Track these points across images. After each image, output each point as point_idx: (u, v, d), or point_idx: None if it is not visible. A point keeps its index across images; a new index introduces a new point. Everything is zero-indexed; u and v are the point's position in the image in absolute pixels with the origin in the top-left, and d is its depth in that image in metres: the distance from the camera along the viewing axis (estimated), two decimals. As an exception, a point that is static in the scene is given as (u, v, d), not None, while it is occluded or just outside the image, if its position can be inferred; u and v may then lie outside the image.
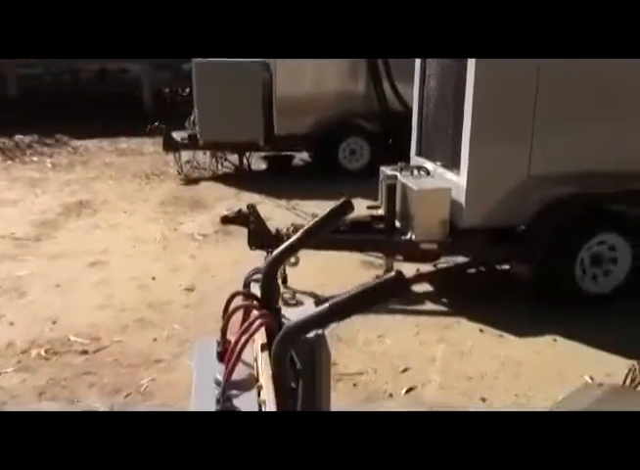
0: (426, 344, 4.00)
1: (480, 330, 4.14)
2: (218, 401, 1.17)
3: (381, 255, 5.03)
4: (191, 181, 8.26)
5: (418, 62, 5.07)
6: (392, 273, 1.05)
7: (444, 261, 5.18)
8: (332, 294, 3.64)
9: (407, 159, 5.34)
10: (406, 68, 7.54)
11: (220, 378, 1.22)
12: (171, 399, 3.24)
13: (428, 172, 4.84)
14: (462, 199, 4.39)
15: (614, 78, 4.27)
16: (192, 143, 8.37)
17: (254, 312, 1.34)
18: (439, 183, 4.57)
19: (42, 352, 3.79)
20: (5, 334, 4.06)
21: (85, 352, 3.80)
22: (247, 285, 1.57)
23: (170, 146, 8.48)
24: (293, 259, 4.59)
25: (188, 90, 13.37)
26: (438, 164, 4.87)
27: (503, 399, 3.33)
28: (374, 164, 8.18)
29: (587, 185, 4.31)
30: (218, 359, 1.34)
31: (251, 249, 4.70)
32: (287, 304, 4.40)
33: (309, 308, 1.26)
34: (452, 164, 4.61)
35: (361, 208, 5.72)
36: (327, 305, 1.08)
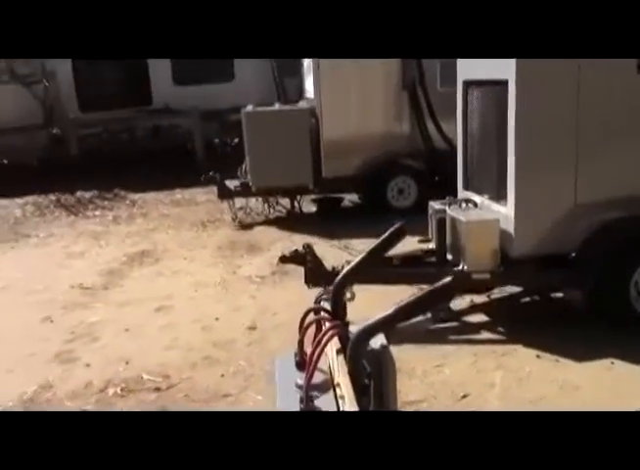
0: (484, 371, 4.09)
1: (537, 356, 4.21)
2: (302, 401, 1.35)
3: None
4: (245, 226, 8.56)
5: (460, 97, 5.26)
6: (445, 280, 1.22)
7: (497, 292, 5.28)
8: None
9: (453, 194, 5.48)
10: (448, 105, 7.80)
11: (301, 382, 1.40)
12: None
13: (475, 205, 4.98)
14: (511, 229, 4.51)
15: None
16: (245, 190, 8.70)
17: (327, 324, 1.52)
18: (488, 214, 4.71)
19: (118, 391, 4.03)
20: (83, 375, 4.33)
21: (158, 389, 4.03)
22: (317, 303, 1.75)
23: (225, 194, 8.83)
24: (349, 295, 4.76)
25: (236, 140, 13.95)
26: (485, 196, 5.00)
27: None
28: (421, 201, 8.34)
29: (635, 208, 4.39)
30: (297, 368, 1.52)
31: (308, 287, 4.89)
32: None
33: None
34: (499, 195, 4.74)
35: (411, 244, 5.89)
36: (392, 309, 1.25)
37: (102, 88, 14.19)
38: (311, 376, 1.34)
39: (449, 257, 4.86)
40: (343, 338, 1.45)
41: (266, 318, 5.20)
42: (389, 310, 1.27)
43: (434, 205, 5.07)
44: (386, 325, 1.32)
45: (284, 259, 4.90)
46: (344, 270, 1.71)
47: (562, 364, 4.06)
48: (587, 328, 4.47)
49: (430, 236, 5.14)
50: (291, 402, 1.39)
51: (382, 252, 1.74)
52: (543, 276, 4.67)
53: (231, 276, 6.41)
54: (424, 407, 3.63)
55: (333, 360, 1.42)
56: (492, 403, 3.66)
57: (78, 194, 11.37)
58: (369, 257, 1.72)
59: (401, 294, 5.22)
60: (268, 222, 8.70)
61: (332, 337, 1.41)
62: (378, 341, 1.49)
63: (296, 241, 7.46)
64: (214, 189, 10.50)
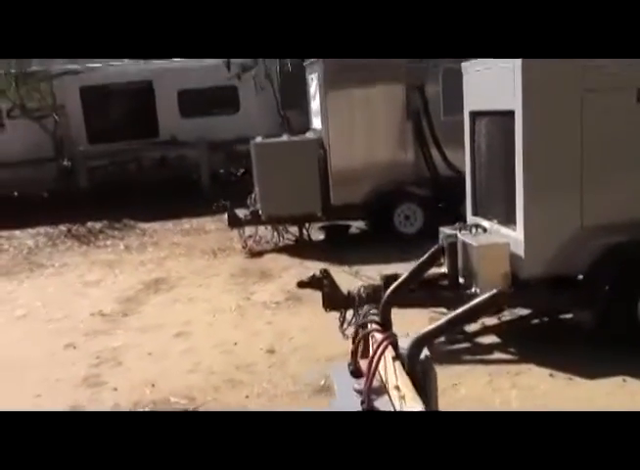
0: (499, 390, 4.24)
1: (550, 375, 4.36)
2: (362, 403, 1.52)
3: (446, 310, 5.32)
4: (255, 254, 8.74)
5: (467, 127, 5.48)
6: (493, 291, 1.40)
7: (508, 314, 5.44)
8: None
9: (457, 221, 5.63)
10: (452, 133, 8.05)
11: (359, 387, 1.58)
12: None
13: (485, 230, 5.17)
14: (521, 252, 4.70)
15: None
16: (254, 219, 8.91)
17: (378, 335, 1.70)
18: (498, 238, 4.89)
19: (147, 413, 4.17)
20: (110, 398, 4.47)
21: (186, 411, 4.17)
22: (364, 317, 1.93)
23: (235, 222, 9.04)
24: (365, 318, 4.94)
25: (242, 170, 14.21)
26: (494, 221, 5.20)
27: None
28: (427, 227, 8.58)
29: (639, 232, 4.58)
30: (352, 376, 1.70)
31: (325, 310, 5.06)
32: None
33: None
34: (508, 220, 4.94)
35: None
36: (445, 319, 1.43)
37: (110, 121, 14.50)
38: (372, 380, 1.51)
39: (461, 280, 5.03)
40: (396, 346, 1.63)
41: (284, 342, 5.35)
42: (440, 321, 1.45)
43: (445, 230, 5.26)
44: (440, 333, 1.50)
45: (302, 285, 5.07)
46: (390, 288, 1.88)
47: (575, 382, 4.21)
48: (597, 347, 4.63)
49: (441, 260, 5.31)
50: (350, 405, 1.56)
51: (424, 271, 1.92)
52: (553, 297, 4.84)
53: (246, 302, 6.58)
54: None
55: (389, 366, 1.60)
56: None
57: (89, 224, 11.60)
58: (415, 273, 1.90)
59: (414, 316, 5.40)
60: (278, 250, 8.89)
61: (387, 346, 1.58)
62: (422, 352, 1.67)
63: (307, 267, 7.64)
64: (222, 218, 10.73)
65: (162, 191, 12.95)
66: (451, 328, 1.44)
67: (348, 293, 5.00)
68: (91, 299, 7.17)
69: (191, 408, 4.19)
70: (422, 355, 1.64)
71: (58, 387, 4.79)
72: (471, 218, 5.59)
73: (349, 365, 1.74)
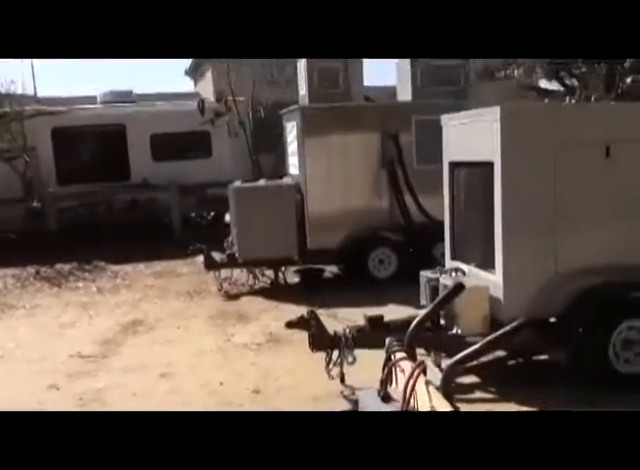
0: (483, 428, 4.39)
1: (530, 413, 4.53)
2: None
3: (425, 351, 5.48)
4: (231, 297, 8.81)
5: (446, 176, 5.76)
6: (519, 320, 1.58)
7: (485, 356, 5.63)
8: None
9: (430, 265, 5.85)
10: (424, 181, 8.38)
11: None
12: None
13: (464, 273, 5.41)
14: (500, 295, 4.93)
15: (625, 177, 4.94)
16: (231, 261, 9.02)
17: (407, 364, 1.86)
18: (478, 282, 5.12)
19: (139, 452, 4.19)
20: (100, 439, 4.46)
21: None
22: (391, 350, 2.08)
23: (211, 265, 9.12)
24: (350, 359, 5.08)
25: (212, 214, 14.31)
26: (472, 265, 5.44)
27: None
28: (401, 271, 8.82)
29: (611, 276, 4.87)
30: (383, 401, 1.85)
31: (312, 351, 5.17)
32: (347, 399, 4.83)
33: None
34: (486, 264, 5.18)
35: (395, 312, 6.24)
36: (476, 346, 1.60)
37: (81, 163, 14.54)
38: (408, 402, 1.66)
39: (443, 322, 5.22)
40: (425, 373, 1.79)
41: (269, 383, 5.43)
42: (472, 349, 1.61)
43: (427, 274, 5.47)
44: (470, 360, 1.66)
45: (290, 325, 5.19)
46: (415, 321, 2.05)
47: (554, 419, 4.39)
48: (573, 387, 4.84)
49: (423, 303, 5.51)
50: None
51: (442, 306, 2.10)
52: (530, 339, 5.05)
53: (227, 344, 6.63)
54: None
55: (421, 390, 1.75)
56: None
57: (58, 266, 11.50)
58: (435, 308, 2.07)
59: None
60: (254, 293, 8.97)
61: (421, 371, 1.74)
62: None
63: (284, 310, 7.75)
64: (195, 261, 10.83)
65: (133, 233, 12.94)
66: (481, 354, 1.60)
67: (335, 334, 5.14)
68: (68, 340, 7.12)
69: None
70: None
71: (43, 427, 4.75)
72: (449, 262, 5.83)
73: (379, 392, 1.88)
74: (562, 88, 23.48)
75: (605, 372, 4.85)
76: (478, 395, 4.98)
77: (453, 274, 5.35)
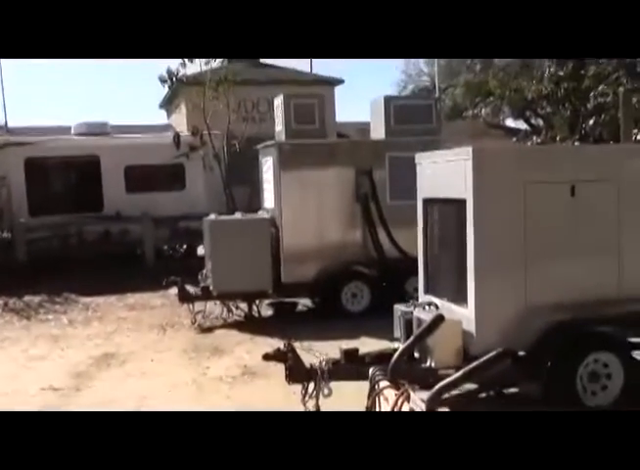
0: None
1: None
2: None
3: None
4: (205, 330, 8.81)
5: (420, 212, 5.93)
6: (499, 350, 1.70)
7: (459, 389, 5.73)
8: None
9: (403, 299, 5.96)
10: (397, 216, 8.57)
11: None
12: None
13: (437, 307, 5.53)
14: (472, 328, 5.07)
15: (589, 215, 5.15)
16: (205, 294, 9.04)
17: (391, 391, 1.96)
18: (450, 316, 5.25)
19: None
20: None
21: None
22: (374, 379, 2.18)
23: (185, 298, 9.13)
24: (326, 391, 5.13)
25: (185, 246, 14.30)
26: (445, 299, 5.58)
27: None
28: (374, 305, 8.93)
29: (578, 310, 5.05)
30: (369, 429, 1.94)
31: (288, 383, 5.21)
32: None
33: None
34: (459, 298, 5.32)
35: (368, 345, 6.33)
36: (456, 375, 1.71)
37: (54, 194, 14.50)
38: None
39: (417, 354, 5.32)
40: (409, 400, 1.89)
41: (245, 416, 5.44)
42: (452, 377, 1.73)
43: (401, 307, 5.59)
44: (452, 388, 1.77)
45: (267, 357, 5.24)
46: (398, 351, 2.15)
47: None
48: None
49: (396, 335, 5.61)
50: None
51: (423, 339, 2.21)
52: (502, 371, 5.18)
53: (202, 377, 6.64)
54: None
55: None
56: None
57: (27, 298, 11.37)
58: (415, 341, 2.18)
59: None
60: (227, 326, 8.99)
61: (407, 396, 1.84)
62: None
63: (258, 343, 7.79)
64: (168, 293, 10.81)
65: (106, 265, 12.88)
66: (461, 383, 1.71)
67: (311, 366, 5.20)
68: (38, 373, 7.04)
69: None
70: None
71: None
72: (423, 296, 5.95)
73: (365, 420, 1.98)
74: (528, 127, 24.20)
75: (574, 405, 4.98)
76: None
77: (427, 308, 5.48)
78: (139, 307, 10.70)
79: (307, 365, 5.21)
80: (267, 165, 9.63)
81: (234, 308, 9.26)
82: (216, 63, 15.06)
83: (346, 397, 5.31)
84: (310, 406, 5.13)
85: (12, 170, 13.71)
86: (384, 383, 2.01)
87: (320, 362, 5.22)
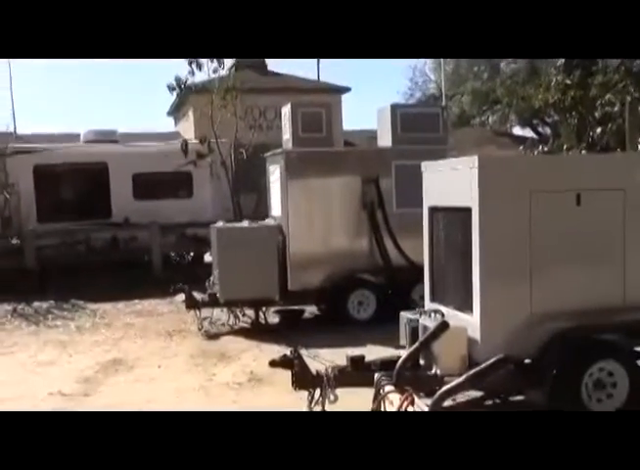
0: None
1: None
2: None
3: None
4: (212, 336, 8.85)
5: (426, 220, 5.96)
6: (498, 356, 1.73)
7: (462, 396, 5.75)
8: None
9: (409, 307, 5.99)
10: (403, 225, 8.62)
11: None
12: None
13: (443, 315, 5.56)
14: (477, 336, 5.09)
15: (595, 224, 5.18)
16: (212, 301, 9.09)
17: (396, 396, 2.00)
18: (456, 323, 5.28)
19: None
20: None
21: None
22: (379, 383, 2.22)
23: (192, 304, 9.19)
24: (332, 398, 5.17)
25: (192, 254, 14.37)
26: (451, 306, 5.61)
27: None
28: (380, 313, 8.96)
29: (584, 318, 5.07)
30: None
31: (295, 389, 5.25)
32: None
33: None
34: (464, 305, 5.35)
35: (374, 352, 6.34)
36: (459, 379, 1.75)
37: (62, 201, 14.61)
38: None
39: (422, 361, 5.35)
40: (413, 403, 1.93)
41: (251, 421, 5.48)
42: (456, 382, 1.76)
43: (407, 315, 5.62)
44: (455, 392, 1.81)
45: (273, 364, 5.28)
46: (403, 357, 2.19)
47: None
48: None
49: (403, 343, 5.64)
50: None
51: (428, 344, 2.25)
52: (507, 379, 5.20)
53: (209, 383, 6.68)
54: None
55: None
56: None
57: (35, 304, 11.46)
58: (421, 346, 2.22)
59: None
60: (234, 333, 9.03)
61: (412, 400, 1.88)
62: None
63: (264, 350, 7.82)
64: (175, 300, 10.87)
65: (113, 272, 12.96)
66: (463, 388, 1.75)
67: (317, 373, 5.23)
68: (47, 378, 7.10)
69: None
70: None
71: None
72: (429, 304, 5.98)
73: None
74: (535, 136, 24.22)
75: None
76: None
77: (432, 315, 5.51)
78: (146, 314, 10.77)
79: (314, 372, 5.26)
80: (274, 173, 9.69)
81: (240, 315, 9.30)
82: (224, 71, 15.17)
83: (351, 403, 5.35)
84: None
85: (21, 177, 13.83)
86: (388, 387, 2.05)
87: (326, 369, 5.26)
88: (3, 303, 11.38)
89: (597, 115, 14.02)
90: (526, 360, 5.26)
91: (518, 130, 26.01)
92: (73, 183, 14.85)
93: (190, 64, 14.05)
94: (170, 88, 14.94)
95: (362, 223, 9.09)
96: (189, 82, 14.72)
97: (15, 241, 13.42)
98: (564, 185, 5.15)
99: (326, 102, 10.74)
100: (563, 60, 13.91)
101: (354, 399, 5.25)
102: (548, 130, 23.34)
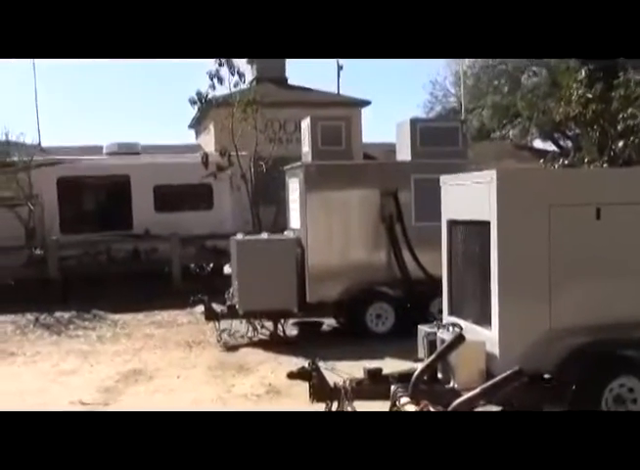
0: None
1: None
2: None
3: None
4: (231, 348, 8.90)
5: (444, 234, 5.97)
6: (514, 368, 1.75)
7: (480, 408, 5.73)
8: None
9: (427, 321, 5.98)
10: (422, 238, 8.62)
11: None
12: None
13: (461, 328, 5.55)
14: (496, 350, 5.08)
15: (615, 238, 5.15)
16: (231, 313, 9.15)
17: (412, 407, 2.02)
18: (474, 337, 5.27)
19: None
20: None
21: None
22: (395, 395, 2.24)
23: (211, 316, 9.25)
24: (349, 410, 5.17)
25: (212, 265, 14.46)
26: (469, 320, 5.60)
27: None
28: (398, 327, 8.95)
29: (604, 333, 5.03)
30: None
31: (312, 402, 5.27)
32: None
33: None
34: (483, 319, 5.34)
35: (392, 365, 6.34)
36: (474, 392, 1.77)
37: (84, 212, 14.82)
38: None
39: (440, 375, 5.34)
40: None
41: (269, 433, 5.50)
42: (471, 393, 1.78)
43: (425, 328, 5.62)
44: (469, 404, 1.83)
45: (292, 376, 5.30)
46: (419, 369, 2.22)
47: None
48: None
49: (420, 356, 5.63)
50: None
51: (443, 358, 2.27)
52: (525, 393, 5.17)
53: (227, 394, 6.72)
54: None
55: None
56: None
57: (57, 314, 11.60)
58: (437, 359, 2.24)
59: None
60: (253, 344, 9.07)
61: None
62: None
63: (283, 362, 7.85)
64: (194, 311, 10.94)
65: (134, 283, 13.08)
66: (478, 400, 1.77)
67: (335, 385, 5.25)
68: (69, 387, 7.19)
69: None
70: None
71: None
72: (447, 318, 5.98)
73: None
74: (556, 149, 24.09)
75: (598, 428, 4.95)
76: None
77: (450, 329, 5.50)
78: (166, 325, 10.86)
79: (331, 384, 5.28)
80: (294, 186, 9.76)
81: (259, 327, 9.34)
82: (245, 84, 15.33)
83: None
84: (334, 425, 5.19)
85: (45, 189, 14.04)
86: (404, 399, 2.08)
87: (344, 382, 5.27)
88: (26, 312, 11.54)
89: (619, 128, 13.91)
90: (546, 375, 5.23)
91: (539, 143, 25.91)
92: (96, 195, 15.07)
93: (211, 78, 14.24)
94: (192, 102, 15.14)
95: (381, 236, 9.11)
96: (210, 96, 14.89)
97: (38, 251, 13.60)
98: (583, 199, 5.13)
99: (346, 115, 10.81)
100: (584, 73, 13.85)
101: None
102: (569, 143, 23.20)
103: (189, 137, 27.01)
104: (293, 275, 8.88)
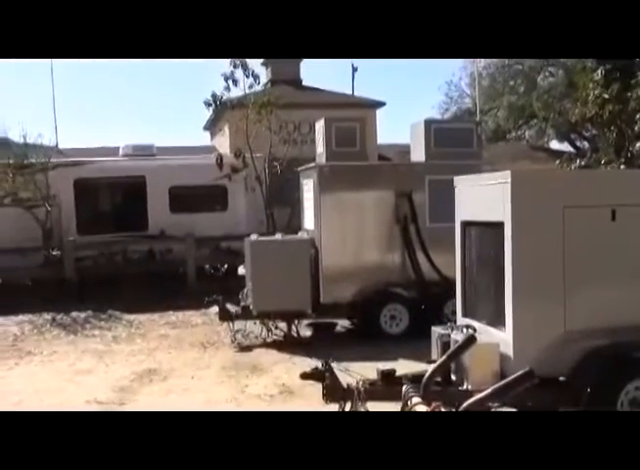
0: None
1: None
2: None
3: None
4: (244, 348, 8.94)
5: (458, 235, 5.96)
6: (525, 369, 1.76)
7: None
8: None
9: (441, 322, 5.99)
10: (436, 239, 8.60)
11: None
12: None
13: (475, 330, 5.54)
14: (510, 352, 5.06)
15: (630, 239, 5.12)
16: (245, 313, 9.19)
17: (423, 408, 2.03)
18: (488, 339, 5.26)
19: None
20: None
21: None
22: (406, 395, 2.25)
23: (225, 316, 9.29)
24: (362, 411, 5.18)
25: (226, 266, 14.53)
26: (483, 322, 5.58)
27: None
28: (412, 327, 8.93)
29: (619, 336, 5.00)
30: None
31: (325, 402, 5.28)
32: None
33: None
34: (497, 321, 5.32)
35: (406, 367, 6.32)
36: (486, 392, 1.77)
37: (101, 213, 14.94)
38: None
39: (453, 377, 5.33)
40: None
41: (282, 434, 5.52)
42: (482, 394, 1.79)
43: (438, 330, 5.61)
44: (480, 405, 1.84)
45: (305, 376, 5.31)
46: (430, 370, 2.23)
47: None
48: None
49: (434, 358, 5.62)
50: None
51: (455, 359, 2.27)
52: (540, 396, 5.14)
53: (241, 395, 6.75)
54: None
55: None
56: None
57: (74, 314, 11.69)
58: (448, 359, 2.24)
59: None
60: (266, 345, 9.10)
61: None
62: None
63: (296, 363, 7.87)
64: (208, 312, 11.00)
65: (149, 283, 13.16)
66: (488, 401, 1.78)
67: (348, 386, 5.25)
68: (84, 387, 7.26)
69: None
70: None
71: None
72: (461, 319, 5.96)
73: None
74: (572, 150, 23.92)
75: (613, 431, 4.92)
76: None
77: (464, 331, 5.49)
78: (180, 325, 10.92)
79: (344, 385, 5.29)
80: (308, 187, 9.78)
81: (273, 328, 9.36)
82: (260, 86, 15.39)
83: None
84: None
85: (62, 190, 14.16)
86: (416, 399, 2.09)
87: (357, 382, 5.28)
88: (43, 312, 11.64)
89: (636, 129, 13.79)
90: (560, 378, 5.20)
91: (555, 144, 25.74)
92: (112, 196, 15.19)
93: (226, 80, 14.32)
94: (207, 104, 15.23)
95: (395, 237, 9.10)
96: (225, 98, 14.96)
97: (55, 252, 13.73)
98: (598, 200, 5.10)
99: (360, 116, 10.81)
100: (600, 73, 13.74)
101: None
102: (586, 144, 23.04)
103: (204, 139, 27.17)
104: (307, 276, 8.90)
